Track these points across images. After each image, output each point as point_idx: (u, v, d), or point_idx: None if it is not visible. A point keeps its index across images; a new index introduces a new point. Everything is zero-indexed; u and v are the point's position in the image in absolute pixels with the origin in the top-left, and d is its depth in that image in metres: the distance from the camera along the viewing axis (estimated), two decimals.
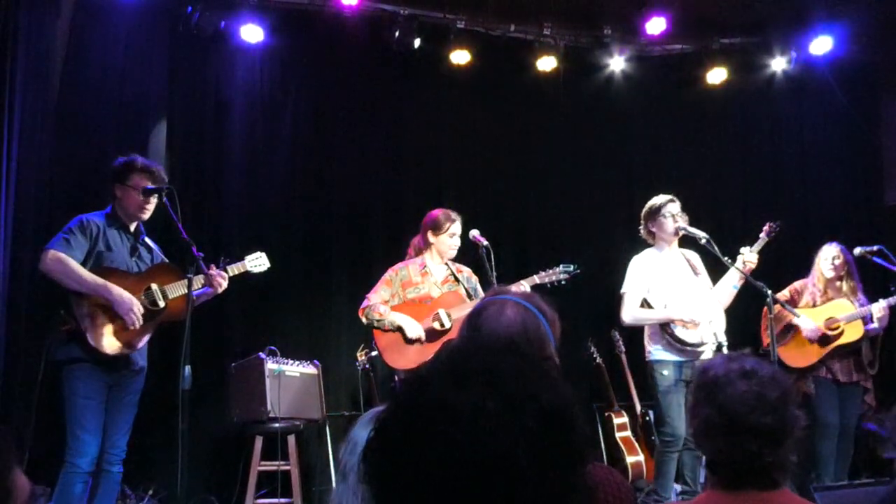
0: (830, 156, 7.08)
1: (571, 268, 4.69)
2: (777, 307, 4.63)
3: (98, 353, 3.78)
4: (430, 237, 4.65)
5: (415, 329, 4.46)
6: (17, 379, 4.71)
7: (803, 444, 1.80)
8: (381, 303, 4.54)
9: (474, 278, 4.75)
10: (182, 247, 3.90)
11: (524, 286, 4.48)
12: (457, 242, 4.66)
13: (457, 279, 4.66)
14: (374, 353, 5.35)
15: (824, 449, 4.97)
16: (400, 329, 4.48)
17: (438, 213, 4.69)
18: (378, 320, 4.49)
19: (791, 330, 5.19)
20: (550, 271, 4.66)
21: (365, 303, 4.58)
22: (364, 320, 4.57)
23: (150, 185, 3.96)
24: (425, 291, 4.59)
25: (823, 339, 5.10)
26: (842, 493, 3.49)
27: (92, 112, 5.49)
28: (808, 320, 5.11)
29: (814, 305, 5.21)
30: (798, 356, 5.13)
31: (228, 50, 6.02)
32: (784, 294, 5.27)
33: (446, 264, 4.69)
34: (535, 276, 4.61)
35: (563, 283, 4.67)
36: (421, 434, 0.84)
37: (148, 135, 5.63)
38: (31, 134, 5.08)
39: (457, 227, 4.65)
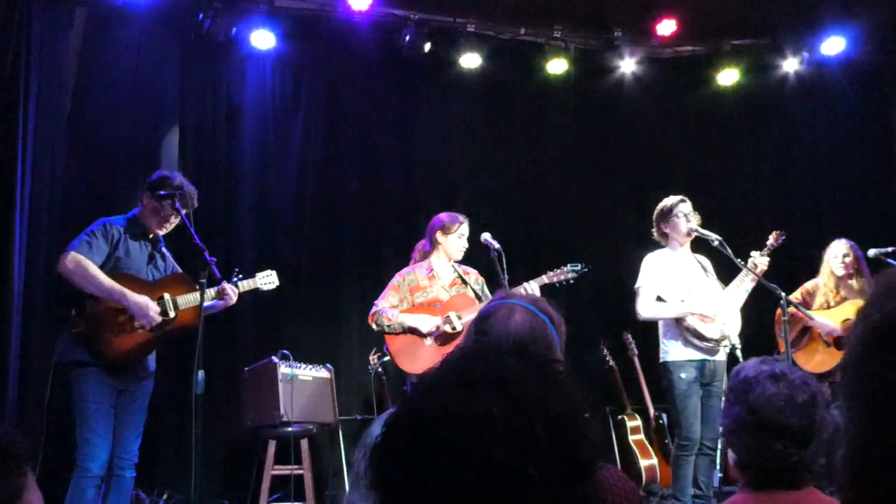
0: (843, 156, 7.02)
1: (579, 267, 4.68)
2: (791, 309, 4.58)
3: (105, 358, 3.80)
4: (440, 237, 4.65)
5: (428, 323, 4.46)
6: (31, 381, 4.73)
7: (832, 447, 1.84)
8: (389, 307, 4.55)
9: (481, 280, 4.75)
10: (195, 251, 3.91)
11: (533, 286, 4.47)
12: (465, 244, 4.67)
13: (464, 281, 4.66)
14: (386, 357, 5.35)
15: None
16: (412, 330, 4.48)
17: (445, 215, 4.70)
18: (388, 325, 4.50)
19: (806, 333, 5.08)
20: (558, 270, 4.66)
21: (374, 309, 4.58)
22: (374, 326, 4.57)
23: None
24: (434, 295, 4.59)
25: (840, 343, 5.00)
26: None
27: (104, 120, 5.53)
28: (825, 320, 5.02)
29: (828, 307, 5.11)
30: (815, 361, 4.99)
31: (240, 56, 6.05)
32: (795, 296, 5.16)
33: (453, 267, 4.70)
34: (543, 276, 4.60)
35: (571, 282, 4.67)
36: (427, 441, 0.83)
37: (160, 142, 5.67)
38: (46, 141, 5.14)
39: (465, 229, 4.66)
